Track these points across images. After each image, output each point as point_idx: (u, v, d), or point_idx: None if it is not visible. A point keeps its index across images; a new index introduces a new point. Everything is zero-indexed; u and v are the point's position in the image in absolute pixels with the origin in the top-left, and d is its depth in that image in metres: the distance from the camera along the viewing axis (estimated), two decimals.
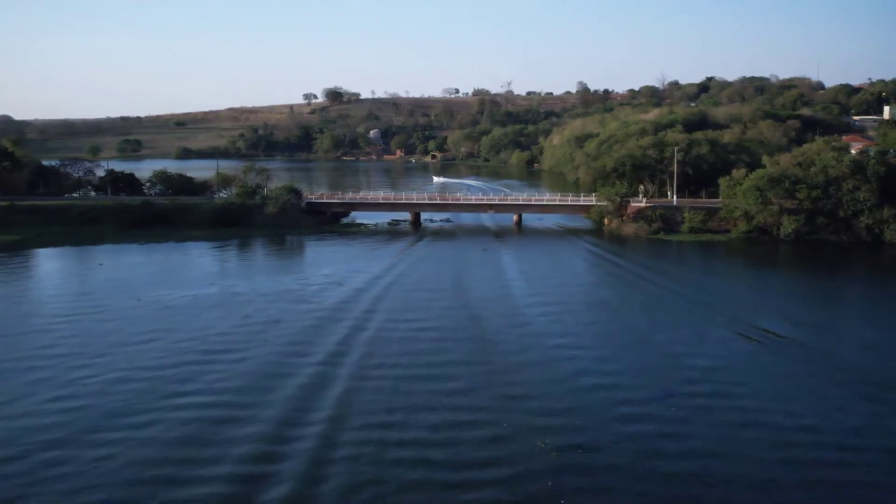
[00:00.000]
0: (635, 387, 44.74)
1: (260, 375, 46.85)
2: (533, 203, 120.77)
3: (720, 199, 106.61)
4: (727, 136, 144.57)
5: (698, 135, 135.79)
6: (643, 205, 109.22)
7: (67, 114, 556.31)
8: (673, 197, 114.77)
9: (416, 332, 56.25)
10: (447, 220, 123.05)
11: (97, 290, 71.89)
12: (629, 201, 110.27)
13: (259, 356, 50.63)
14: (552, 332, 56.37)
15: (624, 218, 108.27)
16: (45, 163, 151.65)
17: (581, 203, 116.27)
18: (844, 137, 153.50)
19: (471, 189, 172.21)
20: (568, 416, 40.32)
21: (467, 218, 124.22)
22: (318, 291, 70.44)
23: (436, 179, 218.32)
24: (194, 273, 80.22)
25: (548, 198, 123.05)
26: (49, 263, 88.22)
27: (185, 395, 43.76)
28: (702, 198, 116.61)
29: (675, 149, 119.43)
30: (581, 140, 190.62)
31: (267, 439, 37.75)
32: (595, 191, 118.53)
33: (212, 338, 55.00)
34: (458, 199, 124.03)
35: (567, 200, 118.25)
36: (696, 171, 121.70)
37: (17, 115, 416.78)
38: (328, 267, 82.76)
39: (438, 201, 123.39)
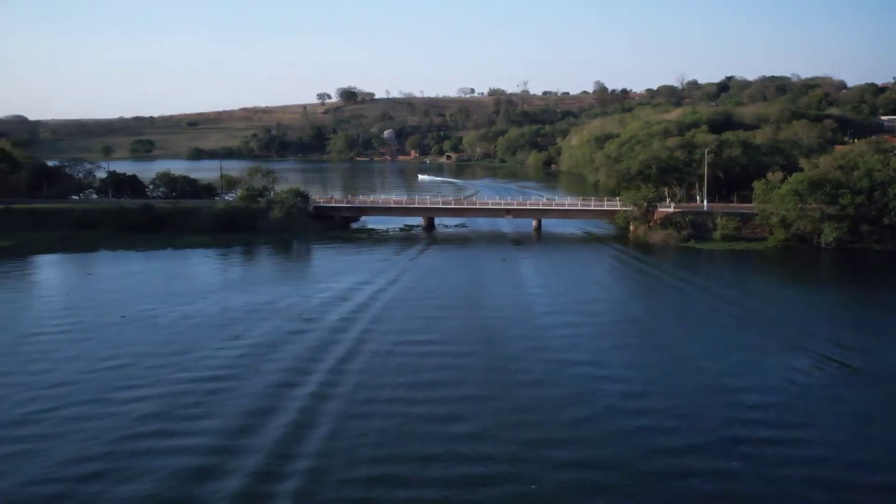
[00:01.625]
0: (680, 430, 38.06)
1: (238, 413, 40.30)
2: (553, 208, 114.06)
3: (754, 204, 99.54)
4: (759, 137, 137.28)
5: (728, 135, 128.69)
6: (671, 210, 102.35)
7: (82, 114, 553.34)
8: (703, 202, 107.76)
9: (420, 358, 49.62)
10: (462, 226, 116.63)
11: (80, 303, 65.94)
12: (656, 206, 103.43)
13: (241, 387, 44.17)
14: (579, 358, 49.76)
15: (651, 224, 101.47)
16: (49, 164, 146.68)
17: (605, 208, 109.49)
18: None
19: (478, 189, 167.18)
20: (603, 470, 33.80)
21: (483, 223, 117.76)
22: (318, 306, 64.06)
23: (421, 178, 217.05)
24: (190, 284, 74.20)
25: (569, 202, 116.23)
26: (36, 272, 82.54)
27: (146, 436, 37.24)
28: (733, 202, 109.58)
29: (706, 150, 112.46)
30: (601, 141, 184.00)
31: (233, 497, 31.52)
32: (618, 194, 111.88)
33: (192, 362, 48.69)
34: (474, 204, 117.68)
35: (590, 205, 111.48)
36: (728, 174, 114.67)
37: (32, 116, 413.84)
38: (332, 277, 76.48)
39: (453, 206, 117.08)
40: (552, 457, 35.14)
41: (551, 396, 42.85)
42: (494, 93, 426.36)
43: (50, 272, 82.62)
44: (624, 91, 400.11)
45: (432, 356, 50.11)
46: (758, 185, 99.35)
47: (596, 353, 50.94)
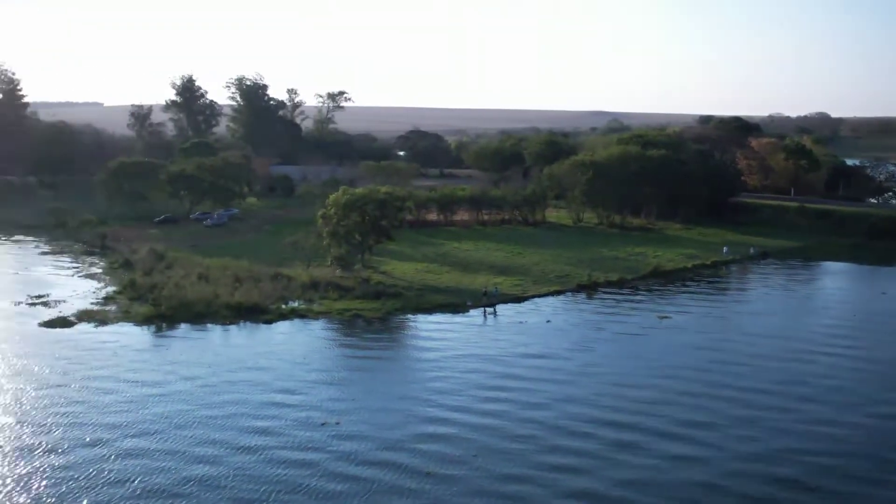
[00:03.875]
0: None
1: None
2: None
3: None
4: None
5: None
6: None
7: (886, 112, 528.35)
8: None
9: None
10: None
11: (863, 329, 56.31)
12: None
13: None
14: None
15: None
16: (848, 162, 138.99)
17: None
18: None
19: None
20: None
21: None
22: None
23: None
24: None
25: None
26: (820, 280, 76.34)
27: None
28: None
29: None
30: None
31: None
32: None
33: None
34: None
35: None
36: None
37: (834, 113, 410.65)
38: None
39: None
40: None
41: None
42: None
43: (834, 282, 75.30)
44: None
45: None
46: None
47: None
